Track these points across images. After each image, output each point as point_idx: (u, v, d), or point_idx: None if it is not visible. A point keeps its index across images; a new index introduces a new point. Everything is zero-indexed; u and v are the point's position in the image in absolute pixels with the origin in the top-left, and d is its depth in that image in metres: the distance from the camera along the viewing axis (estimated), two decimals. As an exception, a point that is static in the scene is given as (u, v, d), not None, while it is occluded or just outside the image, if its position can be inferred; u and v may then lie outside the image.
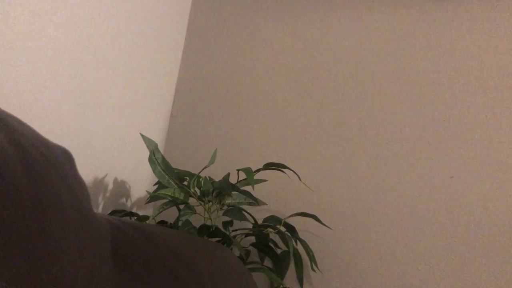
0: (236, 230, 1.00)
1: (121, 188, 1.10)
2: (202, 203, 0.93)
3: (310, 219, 1.05)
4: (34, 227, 0.34)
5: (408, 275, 0.97)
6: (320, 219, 1.00)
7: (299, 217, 1.05)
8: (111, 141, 1.04)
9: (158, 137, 1.24)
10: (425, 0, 1.03)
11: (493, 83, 0.95)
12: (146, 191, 1.16)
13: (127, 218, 0.94)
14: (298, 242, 0.98)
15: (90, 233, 0.43)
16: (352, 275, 1.02)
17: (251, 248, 1.02)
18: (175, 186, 0.91)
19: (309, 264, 1.02)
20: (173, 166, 1.22)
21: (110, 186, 1.06)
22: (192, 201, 0.91)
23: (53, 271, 0.35)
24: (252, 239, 1.03)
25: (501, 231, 0.90)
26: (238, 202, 0.94)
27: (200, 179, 0.93)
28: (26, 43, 0.78)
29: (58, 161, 0.42)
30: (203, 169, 0.97)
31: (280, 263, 0.99)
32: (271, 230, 0.94)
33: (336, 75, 1.10)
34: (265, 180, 1.01)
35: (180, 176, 0.94)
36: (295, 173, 0.97)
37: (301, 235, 1.06)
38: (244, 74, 1.20)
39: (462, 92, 0.97)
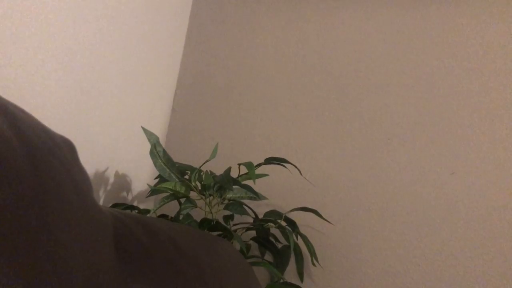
0: (237, 224, 1.00)
1: (122, 182, 1.10)
2: (203, 197, 0.93)
3: (311, 214, 1.05)
4: (36, 217, 0.34)
5: (408, 271, 0.97)
6: (321, 214, 1.00)
7: (300, 211, 1.05)
8: (112, 134, 1.04)
9: (160, 131, 1.24)
10: (428, -5, 1.02)
11: (494, 80, 0.95)
12: (147, 184, 1.16)
13: (128, 211, 0.94)
14: (299, 237, 0.98)
15: (93, 224, 0.42)
16: (353, 270, 1.02)
17: (251, 242, 1.02)
18: (176, 179, 0.91)
19: (309, 258, 1.02)
20: (174, 160, 1.22)
21: (111, 179, 1.06)
22: (193, 195, 0.91)
23: (56, 261, 0.35)
24: (253, 233, 1.03)
25: (502, 228, 0.90)
26: (239, 196, 0.94)
27: (201, 173, 0.93)
28: (28, 39, 0.77)
29: (61, 150, 0.42)
30: (204, 163, 0.96)
31: (280, 258, 0.99)
32: (272, 224, 0.94)
33: (337, 70, 1.09)
34: (266, 175, 1.01)
35: (181, 170, 0.94)
36: (296, 167, 0.96)
37: (302, 229, 1.06)
38: (245, 68, 1.20)
39: (463, 89, 0.97)
